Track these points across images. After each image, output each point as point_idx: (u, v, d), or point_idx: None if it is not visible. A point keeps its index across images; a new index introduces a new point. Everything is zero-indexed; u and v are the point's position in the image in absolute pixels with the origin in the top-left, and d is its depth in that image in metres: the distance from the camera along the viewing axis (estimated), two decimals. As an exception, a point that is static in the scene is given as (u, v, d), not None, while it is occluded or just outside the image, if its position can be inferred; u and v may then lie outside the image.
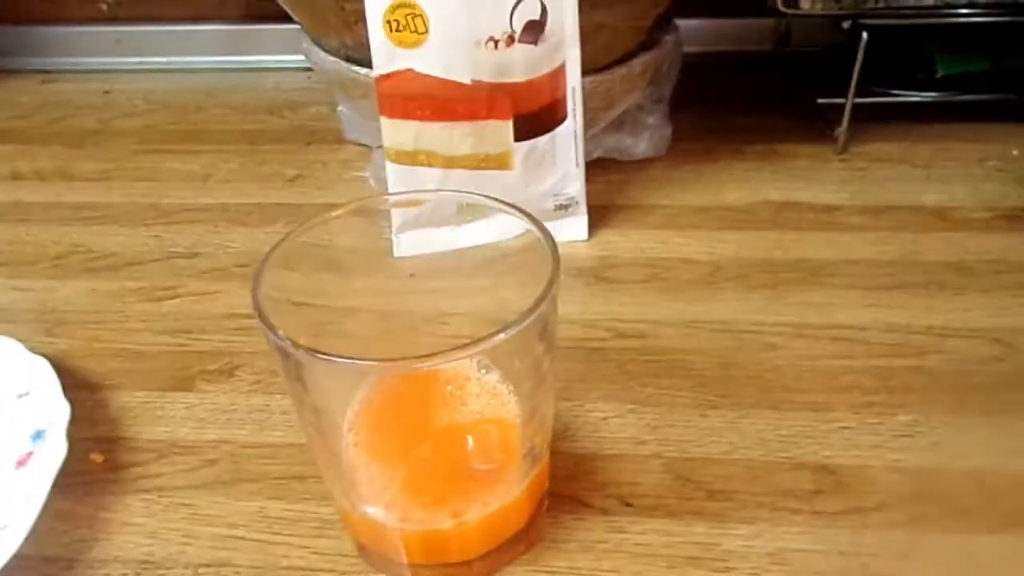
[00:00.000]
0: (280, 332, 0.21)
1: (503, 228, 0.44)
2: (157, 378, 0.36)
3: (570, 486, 0.29)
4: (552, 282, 0.22)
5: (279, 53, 0.66)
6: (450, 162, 0.39)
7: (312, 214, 0.51)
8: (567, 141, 0.40)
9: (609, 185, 0.47)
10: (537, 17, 0.36)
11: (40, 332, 0.38)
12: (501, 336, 0.21)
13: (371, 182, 0.49)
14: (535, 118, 0.39)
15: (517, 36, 0.36)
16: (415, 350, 0.28)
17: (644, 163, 0.49)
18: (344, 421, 0.26)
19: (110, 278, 0.43)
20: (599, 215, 0.44)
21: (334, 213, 0.27)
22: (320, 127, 0.57)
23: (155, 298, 0.41)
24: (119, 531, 0.28)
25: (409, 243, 0.42)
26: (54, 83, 0.66)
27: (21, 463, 0.29)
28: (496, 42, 0.36)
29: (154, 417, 0.33)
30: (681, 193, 0.47)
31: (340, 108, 0.54)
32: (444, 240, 0.42)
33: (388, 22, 0.36)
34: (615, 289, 0.39)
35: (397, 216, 0.42)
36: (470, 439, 0.26)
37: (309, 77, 0.64)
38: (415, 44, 0.36)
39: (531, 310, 0.22)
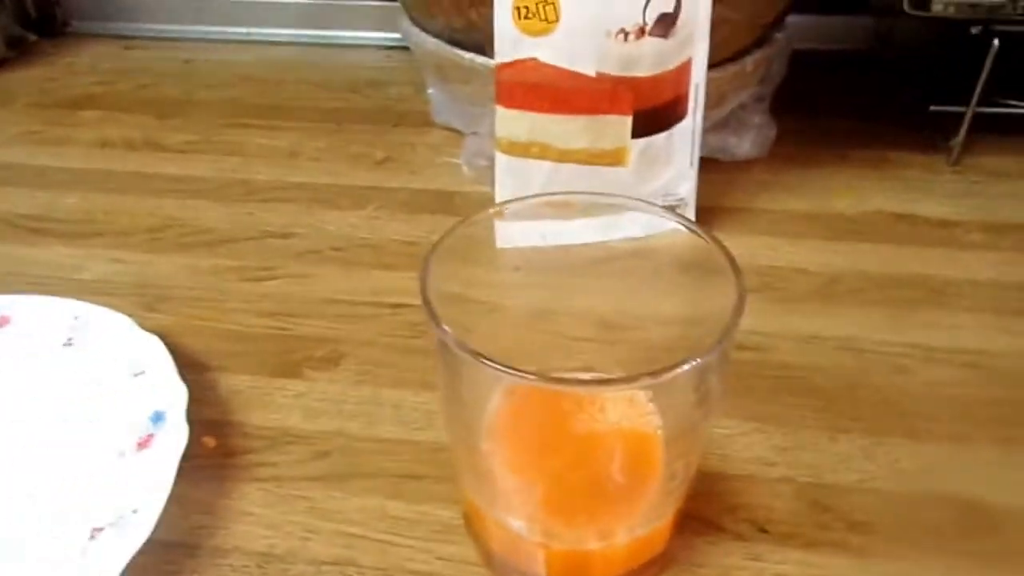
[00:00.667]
0: (447, 329, 0.20)
1: (615, 227, 0.43)
2: (262, 362, 0.35)
3: (701, 507, 0.28)
4: (740, 304, 0.21)
5: (358, 29, 0.65)
6: (563, 155, 0.38)
7: (404, 199, 0.50)
8: (684, 139, 0.39)
9: (711, 186, 0.46)
10: (670, 10, 0.35)
11: (142, 307, 0.38)
12: (687, 367, 0.20)
13: (464, 169, 0.48)
14: (656, 114, 0.38)
15: (648, 28, 0.35)
16: (532, 348, 0.27)
17: (745, 164, 0.48)
18: (484, 422, 0.25)
19: (206, 255, 0.42)
20: (702, 217, 0.43)
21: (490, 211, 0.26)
22: (406, 108, 0.56)
23: (253, 278, 0.41)
24: (239, 520, 0.28)
25: (513, 234, 0.41)
26: (135, 49, 0.66)
27: (143, 445, 0.28)
28: (627, 34, 0.35)
29: (263, 403, 0.33)
30: (787, 198, 0.45)
31: (430, 90, 0.53)
32: (551, 234, 0.41)
33: (517, 8, 0.34)
34: (727, 297, 0.38)
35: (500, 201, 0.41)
36: (613, 452, 0.25)
37: (389, 56, 0.64)
38: (543, 32, 0.35)
39: (720, 340, 0.20)
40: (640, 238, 0.42)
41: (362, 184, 0.48)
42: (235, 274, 0.41)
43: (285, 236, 0.44)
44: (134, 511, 0.25)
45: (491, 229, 0.27)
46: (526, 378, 0.20)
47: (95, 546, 0.25)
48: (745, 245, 0.42)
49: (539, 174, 0.39)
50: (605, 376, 0.25)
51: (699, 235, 0.24)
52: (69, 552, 0.25)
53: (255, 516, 0.28)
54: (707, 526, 0.27)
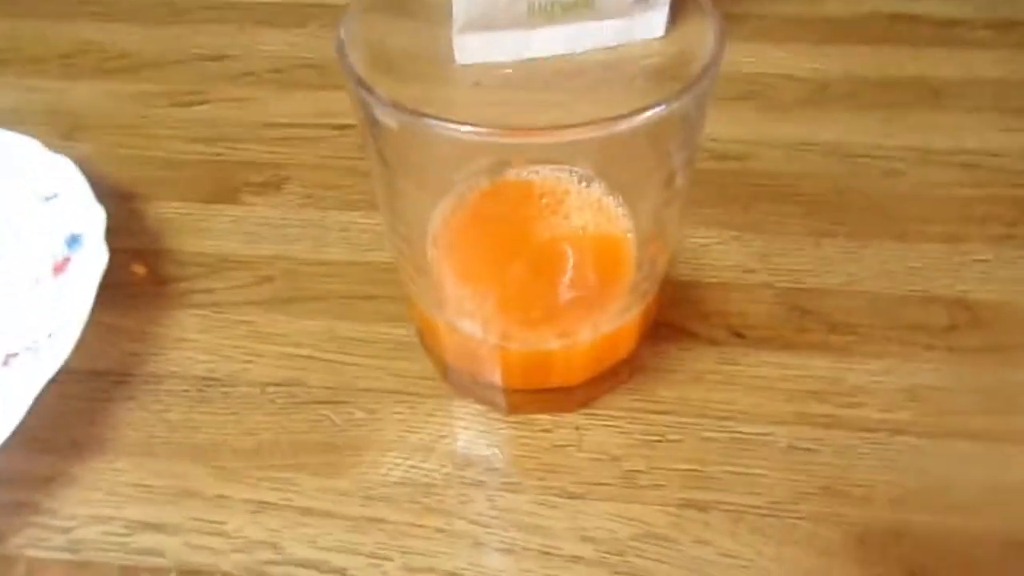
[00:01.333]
0: (379, 91, 0.17)
1: (584, 37, 0.38)
2: (195, 189, 0.32)
3: (672, 314, 0.26)
4: (713, 64, 0.18)
5: None
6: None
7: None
8: (661, -77, 0.34)
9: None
10: None
11: (57, 135, 0.34)
12: (656, 111, 0.16)
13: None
14: None
15: None
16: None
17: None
18: (429, 230, 0.22)
19: (128, 80, 0.38)
20: (676, 16, 0.38)
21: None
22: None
23: (182, 103, 0.36)
24: (175, 347, 0.26)
25: (474, 48, 0.37)
26: None
27: (59, 268, 0.25)
28: None
29: (197, 229, 0.30)
30: (771, 2, 0.41)
31: None
32: (514, 46, 0.37)
33: None
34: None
35: (460, 13, 0.36)
36: (572, 253, 0.22)
37: None
38: None
39: (682, 93, 0.17)
40: (611, 48, 0.38)
41: (302, 2, 0.43)
42: (162, 99, 0.37)
43: (217, 59, 0.39)
44: (49, 335, 0.23)
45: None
46: (483, 133, 0.17)
47: (7, 372, 0.23)
48: (728, 51, 0.37)
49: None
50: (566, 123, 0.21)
51: None
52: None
53: (192, 342, 0.26)
54: (679, 333, 0.25)
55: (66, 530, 0.21)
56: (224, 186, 0.32)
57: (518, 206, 0.24)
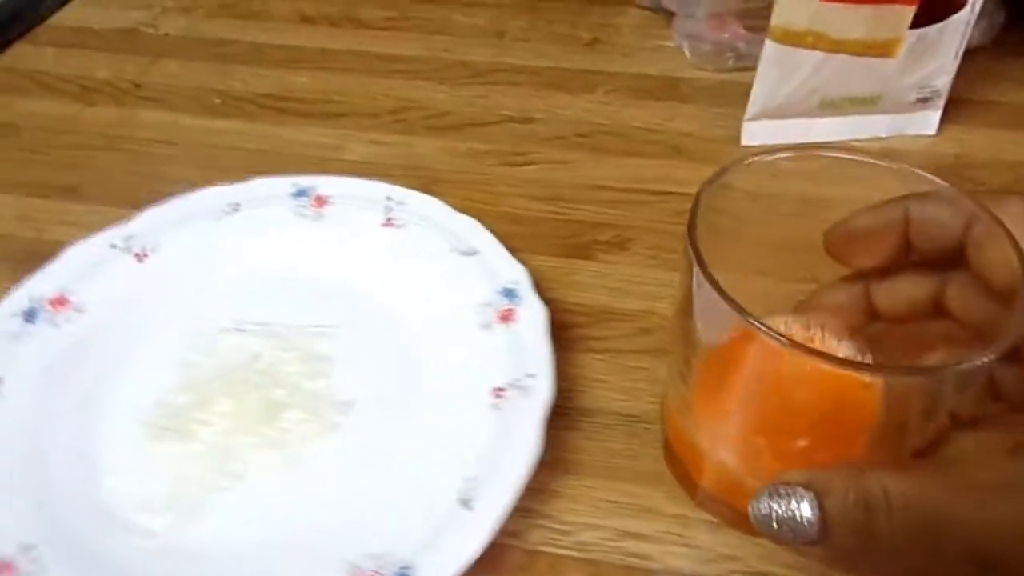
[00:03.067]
0: (730, 296, 0.20)
1: (861, 127, 0.43)
2: (549, 244, 0.38)
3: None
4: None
5: None
6: (836, 46, 0.38)
7: (629, 84, 0.50)
8: (955, 31, 0.39)
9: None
10: None
11: (421, 190, 0.40)
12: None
13: (687, 53, 0.48)
14: (935, 4, 0.37)
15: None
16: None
17: (968, 53, 0.47)
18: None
19: (457, 138, 0.44)
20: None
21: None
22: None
23: (511, 163, 0.42)
24: (592, 386, 0.32)
25: (760, 132, 0.42)
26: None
27: (504, 318, 0.31)
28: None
29: (568, 282, 0.36)
30: (1018, 89, 0.45)
31: (636, -30, 0.52)
32: (797, 133, 0.42)
33: None
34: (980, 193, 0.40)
35: (755, 103, 0.41)
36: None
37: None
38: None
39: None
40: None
41: (580, 67, 0.49)
42: (493, 158, 0.43)
43: (525, 121, 0.45)
44: (529, 375, 0.29)
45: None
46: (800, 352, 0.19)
47: (500, 403, 0.28)
48: (987, 138, 0.42)
49: (806, 65, 0.39)
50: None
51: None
52: (476, 412, 0.28)
53: (604, 383, 0.32)
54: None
55: (568, 533, 0.27)
56: (575, 243, 0.38)
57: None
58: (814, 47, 0.39)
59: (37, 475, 0.27)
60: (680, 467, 0.27)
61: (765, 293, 0.24)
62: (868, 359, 0.24)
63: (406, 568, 0.24)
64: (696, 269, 0.21)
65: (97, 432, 0.29)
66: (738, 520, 0.25)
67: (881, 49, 0.39)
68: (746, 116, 0.42)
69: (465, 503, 0.25)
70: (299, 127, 0.45)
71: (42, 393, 0.29)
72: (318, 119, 0.45)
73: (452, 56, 0.50)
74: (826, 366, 0.19)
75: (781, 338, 0.19)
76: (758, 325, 0.19)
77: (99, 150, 0.43)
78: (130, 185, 0.41)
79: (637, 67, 0.49)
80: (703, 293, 0.21)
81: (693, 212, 0.22)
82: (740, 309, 0.20)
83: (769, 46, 0.39)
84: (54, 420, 0.29)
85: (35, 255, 0.36)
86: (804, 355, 0.19)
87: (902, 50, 0.39)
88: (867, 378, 0.20)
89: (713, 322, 0.22)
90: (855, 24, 0.37)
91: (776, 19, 0.38)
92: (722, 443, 0.24)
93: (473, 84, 0.48)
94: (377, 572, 0.24)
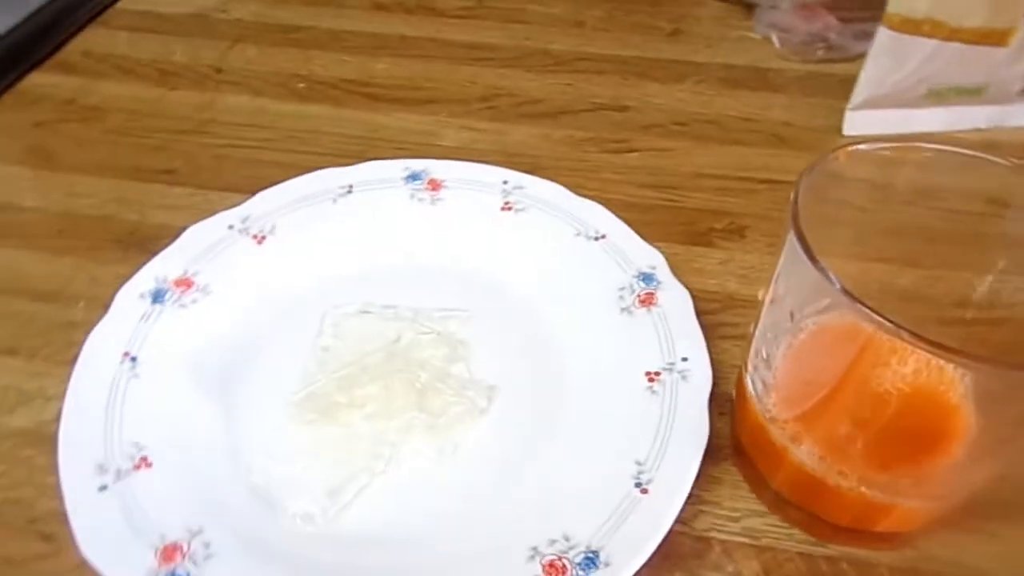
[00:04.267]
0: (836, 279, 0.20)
1: (962, 118, 0.43)
2: (669, 231, 0.37)
3: None
4: None
5: None
6: (952, 34, 0.38)
7: (718, 74, 0.50)
8: (1066, 22, 0.39)
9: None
10: None
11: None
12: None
13: (775, 43, 0.48)
14: (1049, -6, 0.37)
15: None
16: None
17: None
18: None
19: (552, 125, 0.43)
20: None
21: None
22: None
23: (611, 150, 0.42)
24: (733, 372, 0.31)
25: (862, 122, 0.42)
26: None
27: (644, 302, 0.31)
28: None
29: (693, 269, 0.35)
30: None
31: (716, -40, 0.51)
32: (897, 122, 0.42)
33: None
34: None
35: (860, 92, 0.41)
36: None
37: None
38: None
39: None
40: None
41: (666, 57, 0.48)
42: (593, 145, 0.42)
43: (620, 109, 0.45)
44: (684, 359, 0.28)
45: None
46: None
47: (658, 387, 0.28)
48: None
49: (918, 54, 0.39)
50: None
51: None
52: (633, 396, 0.28)
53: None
54: None
55: (735, 519, 0.27)
56: (694, 230, 0.37)
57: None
58: (931, 35, 0.38)
59: (187, 460, 0.26)
60: (749, 466, 0.27)
61: (868, 279, 0.23)
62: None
63: (593, 553, 0.23)
64: (800, 253, 0.21)
65: (240, 415, 0.28)
66: (810, 524, 0.25)
67: (996, 38, 0.38)
68: (850, 105, 0.42)
69: (641, 488, 0.25)
70: (388, 112, 0.44)
71: (178, 374, 0.28)
72: (407, 105, 0.44)
73: (534, 44, 0.49)
74: (927, 351, 0.18)
75: (897, 327, 0.18)
76: (881, 319, 0.19)
77: (187, 133, 0.42)
78: (225, 169, 0.40)
79: (723, 57, 0.48)
80: (804, 276, 0.21)
81: (795, 199, 0.22)
82: (852, 296, 0.19)
83: (883, 33, 0.39)
84: (195, 403, 0.27)
85: (143, 237, 0.35)
86: (912, 342, 0.18)
87: (1016, 39, 0.38)
88: (970, 367, 0.19)
89: (812, 306, 0.22)
90: (975, 11, 0.37)
91: (893, 6, 0.38)
92: (805, 437, 0.23)
93: (559, 72, 0.47)
94: (561, 556, 0.23)
